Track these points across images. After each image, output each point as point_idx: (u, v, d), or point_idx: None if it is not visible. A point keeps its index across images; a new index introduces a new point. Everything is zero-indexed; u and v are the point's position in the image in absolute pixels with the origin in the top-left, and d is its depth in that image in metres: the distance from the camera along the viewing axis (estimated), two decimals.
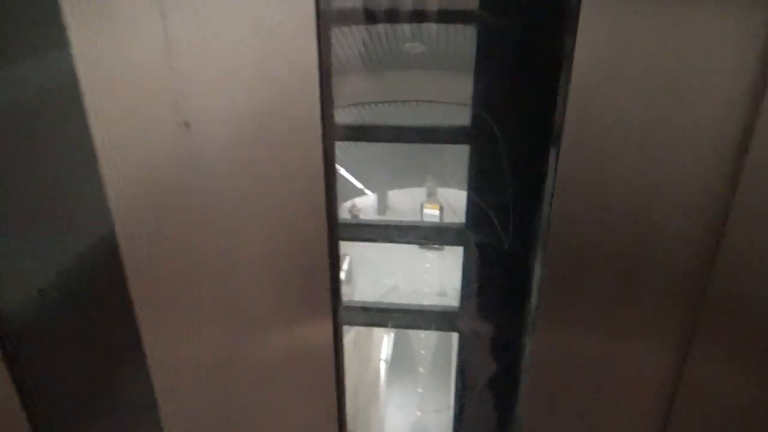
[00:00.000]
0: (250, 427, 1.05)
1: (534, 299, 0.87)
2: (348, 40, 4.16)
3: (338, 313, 0.93)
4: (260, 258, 0.86)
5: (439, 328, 1.09)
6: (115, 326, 0.99)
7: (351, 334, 7.16)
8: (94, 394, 1.09)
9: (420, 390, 9.62)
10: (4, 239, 0.89)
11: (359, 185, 12.36)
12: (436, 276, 11.48)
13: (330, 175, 0.82)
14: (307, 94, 0.74)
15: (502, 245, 0.93)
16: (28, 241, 0.93)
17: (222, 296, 0.90)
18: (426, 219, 13.25)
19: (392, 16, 0.98)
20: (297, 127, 0.77)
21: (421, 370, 10.00)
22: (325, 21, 0.72)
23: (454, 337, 1.10)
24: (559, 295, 0.81)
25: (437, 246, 12.74)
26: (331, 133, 0.80)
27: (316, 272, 0.87)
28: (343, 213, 14.69)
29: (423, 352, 10.29)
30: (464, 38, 3.94)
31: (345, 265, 11.82)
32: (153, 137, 0.78)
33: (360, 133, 0.92)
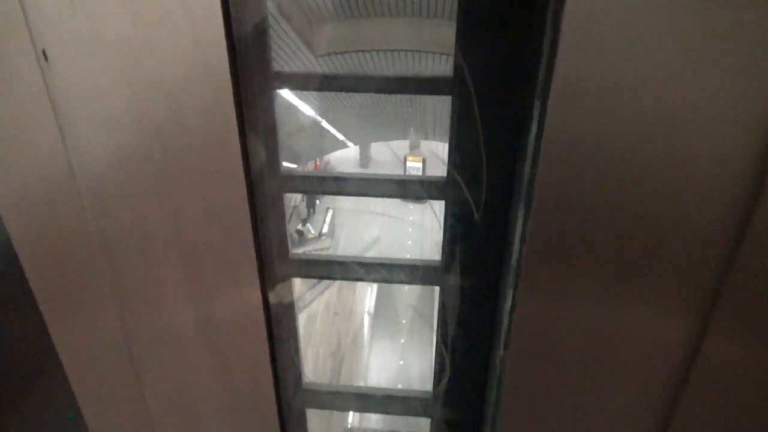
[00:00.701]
0: (180, 394, 1.06)
1: (515, 255, 0.86)
2: None
3: (266, 276, 0.92)
4: (178, 223, 0.85)
5: (420, 282, 1.09)
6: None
7: (334, 288, 7.24)
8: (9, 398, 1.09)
9: (402, 340, 9.85)
10: None
11: (341, 137, 12.24)
12: (419, 229, 11.56)
13: (252, 129, 0.79)
14: (210, 36, 0.70)
15: (483, 199, 0.92)
16: None
17: (139, 266, 0.89)
18: (409, 172, 13.25)
19: None
20: (202, 80, 0.73)
21: (403, 321, 10.20)
22: None
23: (436, 289, 1.10)
24: (542, 252, 0.80)
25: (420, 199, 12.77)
26: (252, 88, 0.76)
27: (239, 233, 0.86)
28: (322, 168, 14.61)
29: (405, 303, 10.48)
30: None
31: (327, 218, 11.84)
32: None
33: (334, 83, 0.88)
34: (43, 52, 0.70)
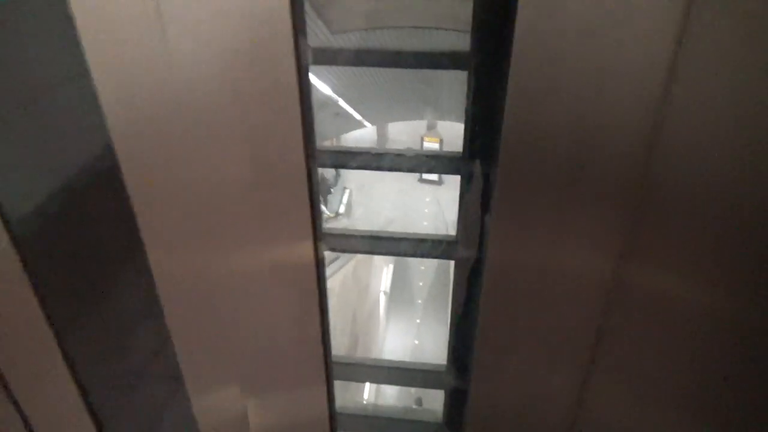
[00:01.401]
0: (241, 337, 1.12)
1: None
2: None
3: (318, 235, 0.97)
4: (243, 182, 0.89)
5: (435, 256, 1.11)
6: (117, 235, 1.03)
7: (350, 266, 7.30)
8: (99, 292, 1.13)
9: (418, 320, 9.93)
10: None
11: (359, 117, 12.19)
12: (434, 210, 11.55)
13: (305, 102, 0.81)
14: (278, 19, 0.73)
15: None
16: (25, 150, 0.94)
17: (210, 213, 0.94)
18: None
19: None
20: (270, 55, 0.76)
21: (419, 301, 10.26)
22: None
23: (451, 269, 1.12)
24: (510, 207, 0.89)
25: (436, 181, 12.80)
26: (305, 57, 0.78)
27: (296, 197, 0.90)
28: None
29: (421, 284, 10.53)
30: None
31: (344, 198, 11.88)
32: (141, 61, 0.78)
33: (350, 58, 0.89)
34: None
